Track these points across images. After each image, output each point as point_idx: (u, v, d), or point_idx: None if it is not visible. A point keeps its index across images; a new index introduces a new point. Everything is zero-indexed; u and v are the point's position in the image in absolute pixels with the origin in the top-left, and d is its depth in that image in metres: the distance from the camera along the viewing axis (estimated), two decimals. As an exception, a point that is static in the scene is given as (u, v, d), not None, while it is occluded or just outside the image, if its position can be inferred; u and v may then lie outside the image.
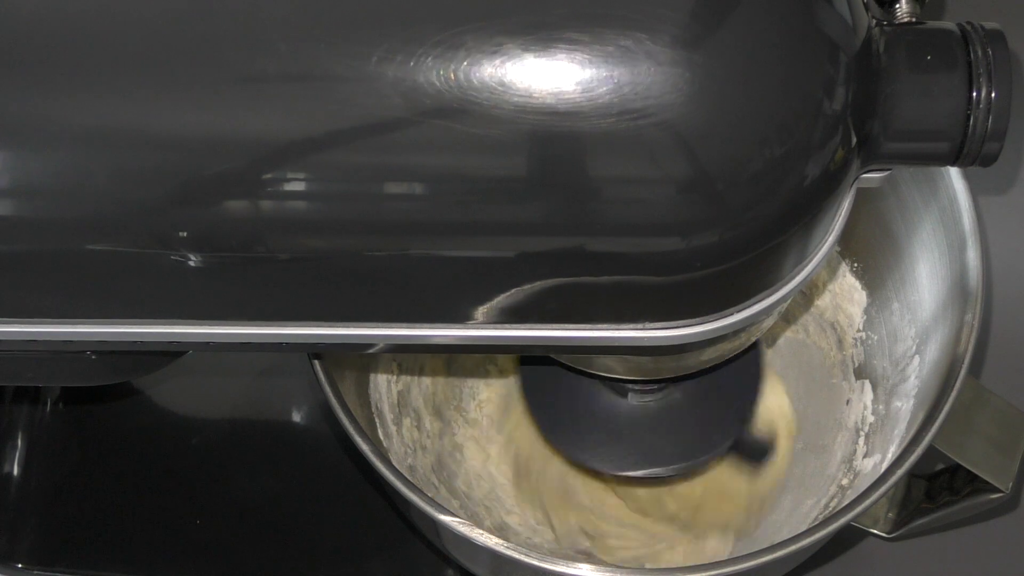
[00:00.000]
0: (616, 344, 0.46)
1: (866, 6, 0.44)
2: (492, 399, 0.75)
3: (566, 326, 0.46)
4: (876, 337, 0.71)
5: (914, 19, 0.45)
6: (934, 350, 0.63)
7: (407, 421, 0.71)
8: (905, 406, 0.65)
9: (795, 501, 0.70)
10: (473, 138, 0.40)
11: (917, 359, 0.66)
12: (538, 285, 0.43)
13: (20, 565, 0.71)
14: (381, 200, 0.42)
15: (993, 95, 0.43)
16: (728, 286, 0.44)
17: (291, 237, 0.42)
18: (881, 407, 0.69)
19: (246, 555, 0.72)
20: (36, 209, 0.42)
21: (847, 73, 0.42)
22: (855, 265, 0.71)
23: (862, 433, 0.70)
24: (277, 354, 0.69)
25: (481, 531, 0.55)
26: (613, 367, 0.54)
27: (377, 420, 0.68)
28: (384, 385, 0.69)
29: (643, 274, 0.43)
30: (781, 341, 0.75)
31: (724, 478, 0.70)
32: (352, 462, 0.73)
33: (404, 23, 0.40)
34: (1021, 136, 0.53)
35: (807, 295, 0.74)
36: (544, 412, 0.63)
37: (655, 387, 0.61)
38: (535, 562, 0.55)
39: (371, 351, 0.49)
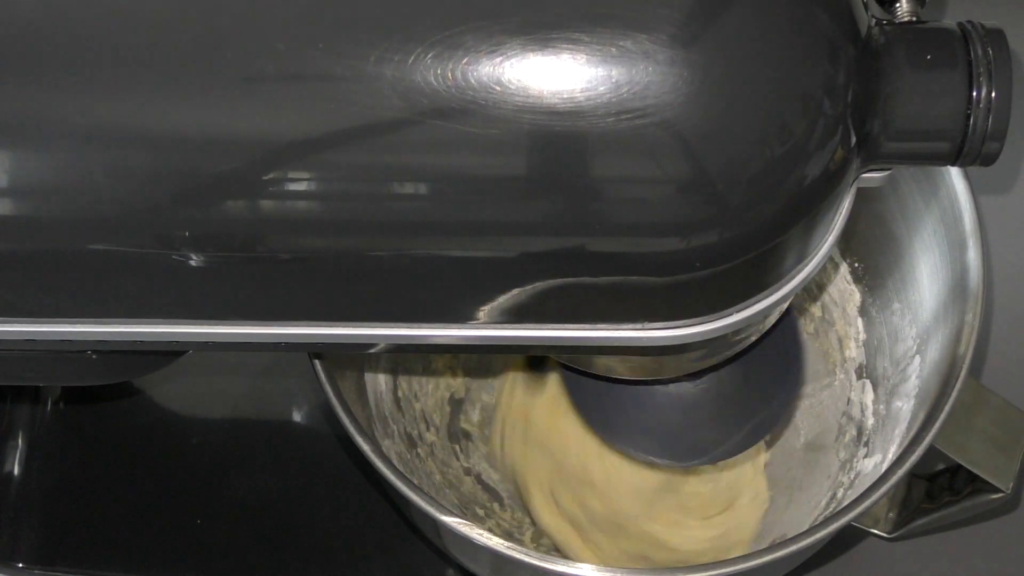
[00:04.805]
0: (616, 344, 0.46)
1: (866, 6, 0.44)
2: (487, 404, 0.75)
3: (566, 326, 0.46)
4: (877, 337, 0.70)
5: (914, 18, 0.45)
6: (935, 350, 0.63)
7: (406, 420, 0.71)
8: (906, 406, 0.65)
9: (795, 501, 0.70)
10: (472, 138, 0.40)
11: (918, 359, 0.65)
12: (538, 285, 0.43)
13: (20, 565, 0.71)
14: (380, 200, 0.42)
15: (993, 95, 0.43)
16: (728, 286, 0.44)
17: (291, 237, 0.42)
18: (882, 407, 0.69)
19: (246, 555, 0.72)
20: (37, 209, 0.42)
21: (847, 72, 0.42)
22: (855, 265, 0.71)
23: (863, 433, 0.70)
24: (277, 354, 0.69)
25: (481, 531, 0.55)
26: (614, 367, 0.54)
27: (377, 420, 0.68)
28: (384, 385, 0.69)
29: (643, 274, 0.43)
30: (781, 341, 0.75)
31: None
32: (352, 462, 0.72)
33: (403, 23, 0.40)
34: (1021, 136, 0.53)
35: (808, 295, 0.73)
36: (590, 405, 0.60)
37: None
38: (536, 562, 0.55)
39: (371, 351, 0.49)
